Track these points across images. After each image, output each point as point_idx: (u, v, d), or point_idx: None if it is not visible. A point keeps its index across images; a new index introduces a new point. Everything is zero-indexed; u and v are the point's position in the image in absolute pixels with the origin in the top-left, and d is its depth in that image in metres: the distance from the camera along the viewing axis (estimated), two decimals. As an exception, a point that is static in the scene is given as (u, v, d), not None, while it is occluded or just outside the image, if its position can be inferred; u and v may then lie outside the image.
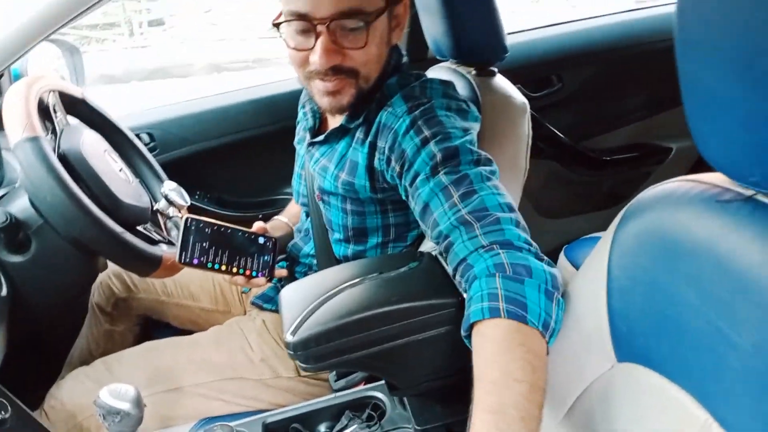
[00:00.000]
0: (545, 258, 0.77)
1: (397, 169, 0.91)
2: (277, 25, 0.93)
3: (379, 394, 1.03)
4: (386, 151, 0.93)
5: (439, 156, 0.85)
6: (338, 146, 1.03)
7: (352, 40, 0.90)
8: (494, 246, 0.76)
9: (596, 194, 1.92)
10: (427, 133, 0.88)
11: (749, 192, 0.55)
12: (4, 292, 1.01)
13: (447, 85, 1.01)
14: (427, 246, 1.05)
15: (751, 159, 0.51)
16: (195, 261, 0.99)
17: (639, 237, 0.66)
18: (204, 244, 1.00)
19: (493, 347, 0.69)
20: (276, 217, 1.33)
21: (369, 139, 0.97)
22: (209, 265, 1.00)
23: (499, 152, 1.07)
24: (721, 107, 0.52)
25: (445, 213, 0.81)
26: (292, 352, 0.81)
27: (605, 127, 1.89)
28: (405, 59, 1.06)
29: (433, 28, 1.16)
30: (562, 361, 0.76)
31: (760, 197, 0.54)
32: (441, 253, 0.84)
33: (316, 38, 0.89)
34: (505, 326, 0.69)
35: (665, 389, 0.62)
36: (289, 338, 0.81)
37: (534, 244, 0.78)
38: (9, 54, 1.29)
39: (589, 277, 0.74)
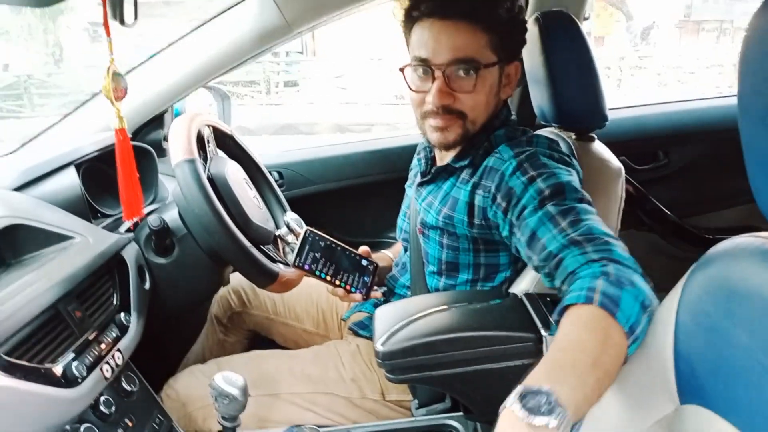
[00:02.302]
0: (650, 282, 0.81)
1: (504, 205, 1.00)
2: (402, 71, 1.10)
3: (455, 423, 1.10)
4: (492, 190, 1.03)
5: (547, 191, 0.94)
6: (444, 185, 1.16)
7: (463, 84, 1.04)
8: (604, 260, 0.81)
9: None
10: (533, 172, 0.98)
11: (803, 245, 0.60)
12: (148, 285, 1.20)
13: (552, 140, 1.11)
14: (518, 289, 1.12)
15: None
16: (306, 267, 1.14)
17: (705, 285, 0.72)
18: (316, 255, 1.14)
19: (575, 322, 0.74)
20: (382, 250, 1.47)
21: (473, 179, 1.08)
22: (317, 272, 1.14)
23: (591, 211, 1.14)
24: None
25: (555, 237, 0.89)
26: (380, 361, 0.92)
27: (711, 207, 1.88)
28: (513, 117, 1.18)
29: (539, 96, 1.27)
30: (628, 400, 0.81)
31: (813, 251, 0.59)
32: (547, 274, 0.90)
33: (433, 81, 1.04)
34: (594, 312, 0.74)
35: (721, 430, 0.66)
36: (379, 347, 0.92)
37: (639, 268, 0.83)
38: (173, 96, 1.56)
39: (659, 323, 0.79)
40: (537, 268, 0.93)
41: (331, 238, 1.18)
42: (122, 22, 0.85)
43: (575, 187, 0.96)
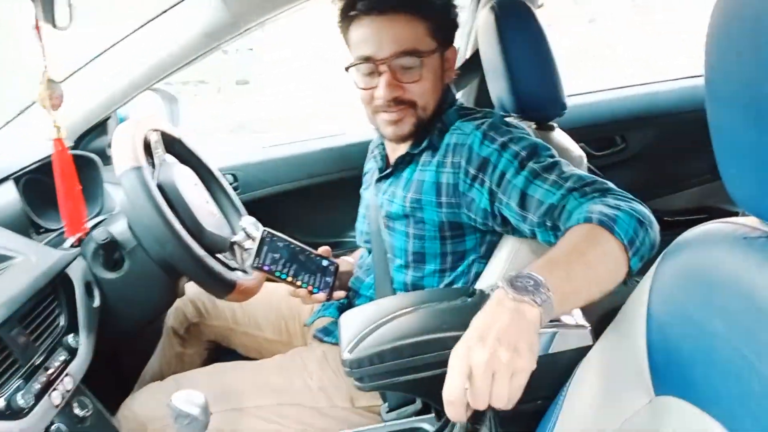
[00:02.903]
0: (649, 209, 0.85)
1: (479, 176, 1.01)
2: (347, 69, 1.10)
3: (427, 426, 1.08)
4: (462, 164, 1.03)
5: (523, 153, 0.97)
6: (404, 173, 1.15)
7: (409, 75, 1.06)
8: (604, 194, 0.85)
9: (659, 254, 1.93)
10: (502, 139, 1.00)
11: (774, 230, 0.59)
12: (97, 303, 1.14)
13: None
14: (485, 283, 1.10)
15: (770, 197, 0.56)
16: (266, 268, 1.11)
17: (676, 274, 0.70)
18: (275, 256, 1.12)
19: (573, 234, 0.79)
20: (343, 257, 1.43)
21: (437, 159, 1.08)
22: (277, 273, 1.11)
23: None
24: (743, 151, 0.57)
25: (549, 190, 0.91)
26: (348, 369, 0.88)
27: (669, 189, 1.91)
28: (460, 100, 1.20)
29: (497, 86, 1.26)
30: (602, 392, 0.80)
31: (785, 235, 0.58)
32: (551, 227, 0.91)
33: (380, 76, 1.05)
34: (592, 227, 0.78)
35: (699, 420, 0.65)
36: (346, 355, 0.88)
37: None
38: (117, 100, 1.49)
39: (630, 314, 0.78)
40: (536, 226, 0.94)
41: (290, 239, 1.15)
42: (54, 24, 0.78)
43: (546, 145, 1.00)
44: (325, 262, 1.17)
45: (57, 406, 0.92)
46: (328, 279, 1.16)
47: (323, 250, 1.20)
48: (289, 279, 1.12)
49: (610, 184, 0.89)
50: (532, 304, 0.66)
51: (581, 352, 0.90)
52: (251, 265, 1.11)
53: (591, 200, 0.85)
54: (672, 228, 1.88)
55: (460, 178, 1.04)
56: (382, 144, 1.25)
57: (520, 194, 0.94)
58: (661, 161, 1.91)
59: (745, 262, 0.60)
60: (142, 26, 1.47)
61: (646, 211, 0.83)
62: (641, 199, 1.97)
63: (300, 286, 1.13)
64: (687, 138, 1.92)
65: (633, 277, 0.81)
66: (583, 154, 1.18)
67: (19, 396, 0.85)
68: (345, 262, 1.39)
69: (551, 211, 0.90)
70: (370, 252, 1.30)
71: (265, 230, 1.13)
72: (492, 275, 1.11)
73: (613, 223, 0.78)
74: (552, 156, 0.98)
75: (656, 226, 0.83)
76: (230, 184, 1.75)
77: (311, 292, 1.14)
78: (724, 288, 0.62)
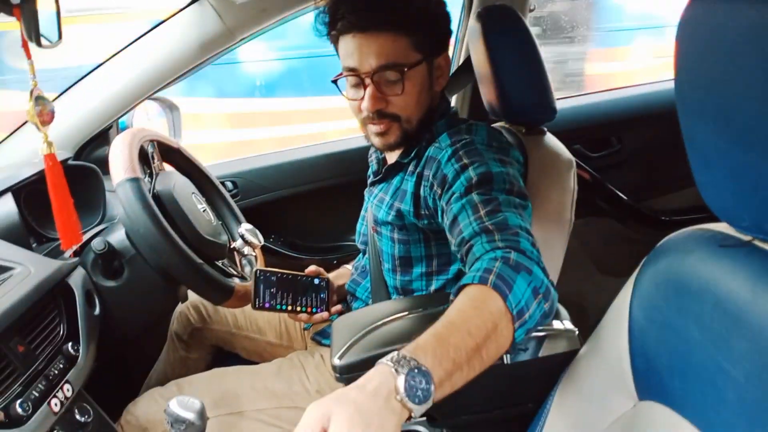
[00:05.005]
0: (549, 277, 0.80)
1: (439, 192, 1.02)
2: (335, 82, 1.13)
3: (422, 429, 1.09)
4: (430, 179, 1.05)
5: (474, 179, 0.95)
6: (394, 180, 1.18)
7: (392, 88, 1.07)
8: (509, 248, 0.81)
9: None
10: (466, 161, 0.99)
11: (747, 238, 0.60)
12: (97, 311, 1.16)
13: (492, 128, 1.12)
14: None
15: (740, 205, 0.57)
16: (267, 305, 1.19)
17: (655, 280, 0.72)
18: (272, 290, 1.19)
19: (467, 300, 0.73)
20: (344, 265, 1.46)
21: (417, 170, 1.10)
22: (278, 307, 1.20)
23: (545, 204, 1.15)
24: (713, 158, 0.58)
25: (470, 224, 0.89)
26: (338, 375, 0.90)
27: (665, 189, 1.91)
28: (454, 108, 1.20)
29: (488, 93, 1.26)
30: (588, 398, 0.81)
31: (758, 243, 0.59)
32: (460, 260, 0.90)
33: (365, 89, 1.07)
34: (486, 293, 0.73)
35: (680, 427, 0.65)
36: (336, 362, 0.89)
37: (543, 263, 0.82)
38: (118, 109, 1.51)
39: (613, 319, 0.79)
40: (456, 253, 0.93)
41: (280, 270, 1.22)
42: (38, 43, 0.79)
43: (505, 178, 0.96)
44: (316, 281, 1.25)
45: (56, 413, 0.94)
46: (322, 295, 1.24)
47: (310, 270, 1.28)
48: (289, 308, 1.21)
49: (523, 236, 0.84)
50: (410, 414, 0.61)
51: (570, 356, 0.91)
52: (252, 307, 1.18)
53: (493, 250, 0.81)
54: (669, 227, 1.90)
55: (428, 192, 1.06)
56: None
57: (452, 219, 0.93)
58: (657, 161, 1.90)
59: (719, 270, 0.61)
60: (140, 37, 1.50)
61: (543, 278, 0.78)
62: (638, 199, 1.97)
63: (301, 311, 1.22)
64: (681, 138, 1.91)
65: (517, 348, 0.78)
66: (572, 159, 1.18)
67: (17, 404, 0.87)
68: (346, 273, 1.41)
69: (462, 244, 0.88)
70: (364, 253, 1.32)
71: (257, 270, 1.20)
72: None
73: (508, 290, 0.73)
74: (505, 190, 0.94)
75: (552, 296, 0.79)
76: (230, 190, 1.78)
77: (311, 313, 1.22)
78: (699, 295, 0.63)
